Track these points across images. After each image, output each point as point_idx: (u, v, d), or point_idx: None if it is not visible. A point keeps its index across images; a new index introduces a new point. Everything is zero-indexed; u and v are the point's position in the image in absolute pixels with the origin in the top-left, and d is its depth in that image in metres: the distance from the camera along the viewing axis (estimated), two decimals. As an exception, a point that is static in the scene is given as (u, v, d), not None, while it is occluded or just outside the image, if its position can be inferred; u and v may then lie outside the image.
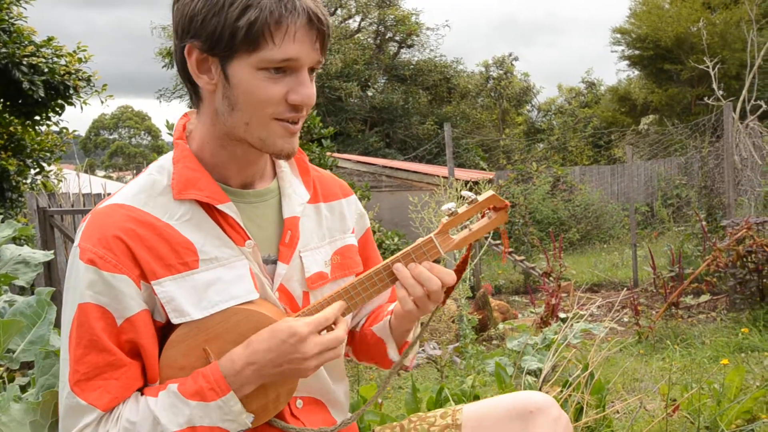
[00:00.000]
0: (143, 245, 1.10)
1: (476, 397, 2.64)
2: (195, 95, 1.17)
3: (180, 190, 1.15)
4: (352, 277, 1.34)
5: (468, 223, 1.27)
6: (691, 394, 2.59)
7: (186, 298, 1.11)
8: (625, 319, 6.26)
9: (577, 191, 13.46)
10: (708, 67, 8.53)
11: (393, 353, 1.35)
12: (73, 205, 7.04)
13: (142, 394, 1.12)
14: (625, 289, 7.72)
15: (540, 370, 3.23)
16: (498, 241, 7.97)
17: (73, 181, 7.05)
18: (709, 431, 2.56)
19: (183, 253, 1.12)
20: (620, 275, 9.30)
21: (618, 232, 13.02)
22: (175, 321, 1.11)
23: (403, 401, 3.68)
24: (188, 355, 1.13)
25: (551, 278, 5.08)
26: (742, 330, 4.77)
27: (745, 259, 5.20)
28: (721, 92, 9.20)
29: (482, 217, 1.27)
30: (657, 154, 13.85)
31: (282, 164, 1.30)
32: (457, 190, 4.88)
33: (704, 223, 6.11)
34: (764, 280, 5.19)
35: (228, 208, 1.16)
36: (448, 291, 1.33)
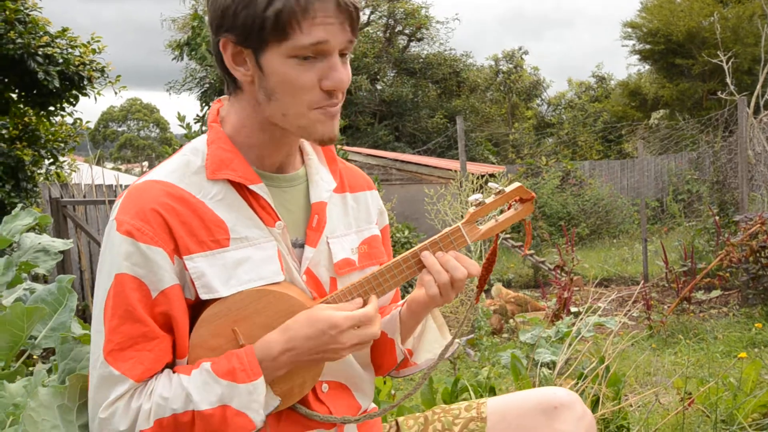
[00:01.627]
0: (179, 220, 1.12)
1: (492, 389, 2.65)
2: (233, 85, 1.18)
3: (214, 170, 1.16)
4: (377, 266, 1.35)
5: (494, 213, 1.29)
6: (708, 387, 2.58)
7: (215, 275, 1.13)
8: (635, 314, 6.25)
9: (586, 186, 13.42)
10: (721, 61, 8.47)
11: (398, 350, 1.36)
12: (85, 196, 7.08)
13: (173, 371, 1.13)
14: (638, 283, 7.70)
15: (553, 362, 3.24)
16: (509, 235, 7.97)
17: (85, 172, 7.09)
18: (725, 425, 2.56)
19: (215, 230, 1.14)
20: (630, 270, 9.27)
21: (628, 227, 12.97)
22: (203, 297, 1.13)
23: (417, 392, 3.69)
24: (217, 335, 1.14)
25: (564, 272, 5.07)
26: (756, 325, 4.75)
27: (758, 255, 5.18)
28: (733, 87, 9.14)
29: (508, 208, 1.28)
30: (668, 149, 13.79)
31: (310, 152, 1.31)
32: (472, 183, 4.88)
33: (716, 218, 6.07)
34: (777, 276, 5.17)
35: (260, 189, 1.18)
36: (480, 286, 1.34)
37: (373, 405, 1.42)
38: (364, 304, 1.20)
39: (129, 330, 1.09)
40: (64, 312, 2.10)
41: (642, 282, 6.80)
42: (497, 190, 1.25)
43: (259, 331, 1.15)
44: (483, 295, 4.96)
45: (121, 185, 7.69)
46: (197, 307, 1.15)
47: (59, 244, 2.54)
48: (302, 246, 1.24)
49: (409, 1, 21.07)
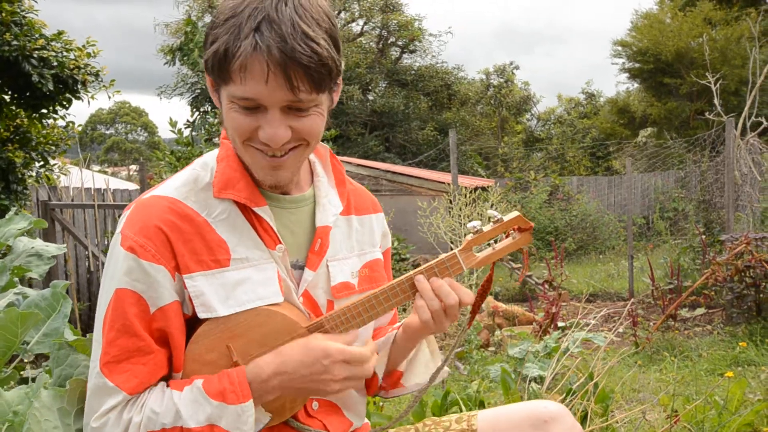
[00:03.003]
0: (181, 238, 1.14)
1: (481, 402, 2.67)
2: None
3: (220, 189, 1.18)
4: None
5: (492, 241, 1.30)
6: (694, 406, 2.62)
7: (214, 294, 1.14)
8: (621, 330, 6.29)
9: (574, 201, 13.52)
10: (710, 82, 8.60)
11: (380, 373, 1.38)
12: (73, 200, 7.04)
13: (167, 386, 1.15)
14: (623, 299, 7.76)
15: (541, 377, 3.26)
16: (508, 256, 8.00)
17: (75, 175, 7.05)
18: (710, 442, 2.60)
19: (216, 250, 1.16)
20: (616, 286, 9.33)
21: (614, 243, 13.07)
22: (201, 315, 1.14)
23: (405, 404, 3.70)
24: (212, 350, 1.16)
25: (552, 287, 5.11)
26: (740, 344, 4.81)
27: (743, 274, 5.25)
28: (720, 108, 9.27)
29: (506, 236, 1.29)
30: (655, 167, 13.93)
31: (320, 173, 1.32)
32: (465, 197, 4.91)
33: (703, 237, 6.15)
34: (761, 295, 5.23)
35: (264, 211, 1.19)
36: (474, 312, 1.35)
37: (366, 421, 1.43)
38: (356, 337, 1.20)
39: (125, 343, 1.11)
40: (57, 318, 2.10)
41: (630, 298, 6.85)
42: (496, 219, 1.25)
43: (254, 348, 1.16)
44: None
45: (110, 189, 7.66)
46: (194, 322, 1.17)
47: (53, 248, 2.53)
48: (302, 268, 1.25)
49: (403, 13, 21.21)
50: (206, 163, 1.22)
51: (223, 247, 1.16)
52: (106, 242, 7.46)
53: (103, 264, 6.59)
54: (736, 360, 4.64)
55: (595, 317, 3.87)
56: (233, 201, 1.19)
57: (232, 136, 1.14)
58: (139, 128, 52.61)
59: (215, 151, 1.24)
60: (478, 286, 1.36)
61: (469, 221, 5.43)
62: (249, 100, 1.06)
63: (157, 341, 1.13)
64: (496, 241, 1.29)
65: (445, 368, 1.40)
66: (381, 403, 3.08)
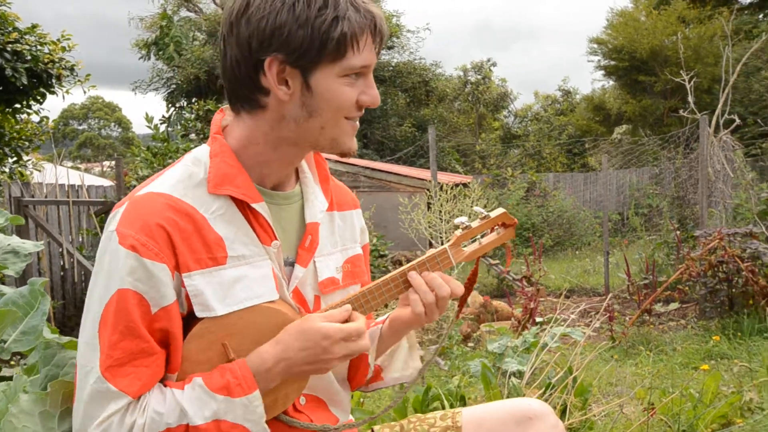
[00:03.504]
0: (182, 236, 1.12)
1: (462, 398, 2.69)
2: (253, 102, 1.17)
3: (216, 185, 1.17)
4: (359, 285, 1.37)
5: (478, 237, 1.34)
6: (670, 399, 2.66)
7: (212, 293, 1.13)
8: (597, 325, 6.37)
9: (550, 197, 13.65)
10: (684, 80, 8.73)
11: (370, 366, 1.39)
12: (46, 196, 6.93)
13: (165, 386, 1.14)
14: (599, 295, 7.86)
15: (520, 372, 3.30)
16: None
17: (49, 171, 6.93)
18: (685, 434, 2.65)
19: (213, 248, 1.15)
20: (592, 281, 9.45)
21: (590, 239, 13.22)
22: (199, 315, 1.13)
23: (384, 399, 3.71)
24: (208, 349, 1.15)
25: (530, 282, 5.16)
26: (714, 338, 4.90)
27: (716, 269, 5.34)
28: (693, 105, 9.42)
29: (491, 232, 1.34)
30: (630, 164, 14.11)
31: (306, 170, 1.33)
32: (446, 192, 4.94)
33: (677, 233, 6.25)
34: (733, 290, 5.34)
35: (261, 207, 1.19)
36: (461, 305, 1.38)
37: (350, 417, 1.44)
38: (351, 317, 1.22)
39: (129, 346, 1.09)
40: (36, 315, 2.07)
41: (606, 294, 6.94)
42: (482, 215, 1.31)
43: (249, 345, 1.16)
44: (451, 303, 5.01)
45: (84, 186, 7.55)
46: (187, 321, 1.16)
47: (29, 245, 2.49)
48: (292, 264, 1.26)
49: (381, 8, 21.13)
50: (198, 159, 1.21)
51: (220, 244, 1.15)
52: (81, 240, 7.36)
53: (78, 262, 6.50)
54: (709, 354, 4.73)
55: (573, 312, 3.91)
56: (229, 197, 1.18)
57: (330, 114, 1.16)
58: (113, 124, 51.86)
59: (204, 147, 1.23)
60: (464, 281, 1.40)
61: (450, 217, 5.50)
62: (365, 67, 1.15)
63: (158, 342, 1.12)
64: (482, 237, 1.32)
65: (436, 360, 1.43)
66: (362, 399, 3.08)
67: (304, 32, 1.08)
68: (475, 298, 5.84)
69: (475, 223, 1.30)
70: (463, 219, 1.31)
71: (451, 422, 1.38)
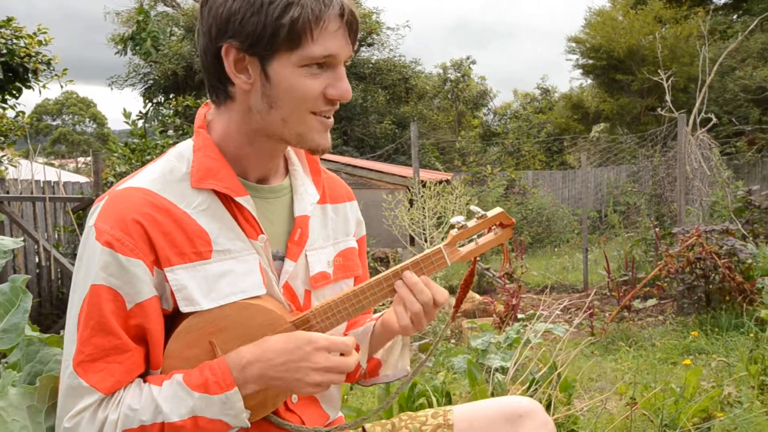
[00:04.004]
0: (160, 231, 1.10)
1: (448, 394, 2.69)
2: (223, 93, 1.16)
3: (199, 179, 1.15)
4: (352, 279, 1.37)
5: (475, 237, 1.32)
6: (653, 394, 2.69)
7: (197, 287, 1.12)
8: (576, 321, 6.43)
9: (529, 195, 13.74)
10: (662, 79, 8.84)
11: (363, 358, 1.37)
12: (21, 192, 6.81)
13: (144, 382, 1.12)
14: (578, 291, 7.93)
15: (503, 368, 3.32)
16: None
17: (25, 167, 6.80)
18: (668, 428, 2.68)
19: (197, 242, 1.13)
20: (571, 278, 9.54)
21: (568, 236, 13.35)
22: (184, 310, 1.12)
23: (368, 396, 3.71)
24: (194, 346, 1.14)
25: (512, 279, 5.19)
26: (692, 333, 4.97)
27: (694, 266, 5.41)
28: (669, 104, 9.54)
29: (488, 232, 1.31)
30: (607, 162, 14.26)
31: (295, 162, 1.31)
32: (431, 189, 4.94)
33: (656, 230, 6.33)
34: (710, 286, 5.41)
35: (245, 201, 1.17)
36: (457, 306, 1.37)
37: (340, 414, 1.44)
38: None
39: (100, 342, 1.08)
40: (17, 313, 2.03)
41: (586, 290, 7.01)
42: (480, 215, 1.28)
43: (236, 343, 1.14)
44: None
45: (61, 182, 7.43)
46: (173, 317, 1.14)
47: (9, 242, 2.44)
48: (282, 259, 1.24)
49: (361, 5, 21.13)
50: (181, 154, 1.19)
51: (204, 238, 1.13)
52: (57, 236, 7.24)
53: (55, 259, 6.40)
54: (687, 349, 4.79)
55: (557, 309, 3.95)
56: (213, 191, 1.16)
57: (291, 107, 1.12)
58: (88, 119, 51.12)
59: (188, 142, 1.21)
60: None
61: (434, 214, 5.50)
62: (329, 57, 1.10)
63: (134, 339, 1.10)
64: (479, 237, 1.31)
65: (408, 368, 1.43)
66: (345, 396, 3.07)
67: (257, 18, 1.06)
68: (474, 296, 5.87)
69: (471, 223, 1.28)
70: (460, 218, 1.28)
71: (442, 420, 1.38)
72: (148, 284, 1.09)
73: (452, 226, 1.29)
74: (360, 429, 1.46)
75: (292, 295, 1.24)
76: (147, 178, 1.15)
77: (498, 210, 1.29)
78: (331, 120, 1.17)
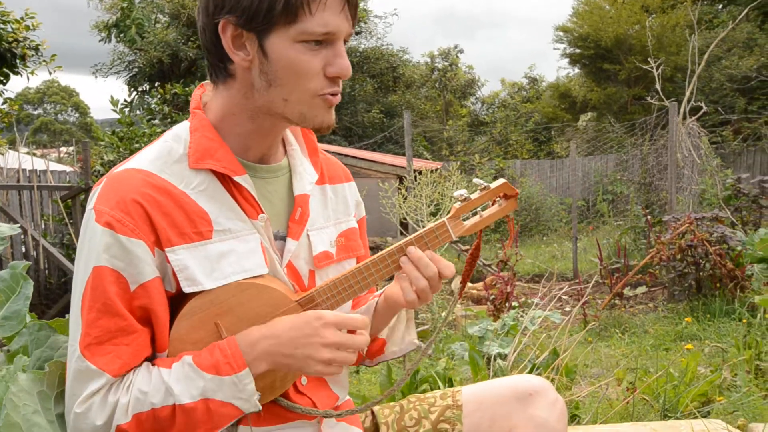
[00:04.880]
0: (160, 211, 1.09)
1: (450, 380, 2.69)
2: (223, 71, 1.15)
3: (197, 159, 1.13)
4: (354, 260, 1.35)
5: (479, 209, 1.30)
6: (655, 378, 2.71)
7: (198, 267, 1.10)
8: (569, 308, 6.48)
9: (518, 184, 13.79)
10: (652, 68, 8.87)
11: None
12: (7, 181, 6.72)
13: (153, 365, 1.11)
14: (567, 279, 7.98)
15: (501, 354, 3.33)
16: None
17: (11, 155, 6.71)
18: (669, 412, 2.70)
19: (198, 222, 1.11)
20: (560, 266, 9.61)
21: (556, 225, 13.43)
22: (186, 290, 1.10)
23: (364, 383, 3.71)
24: (199, 328, 1.12)
25: (506, 266, 5.20)
26: (686, 319, 5.01)
27: (685, 253, 5.46)
28: (656, 93, 9.59)
29: (492, 204, 1.29)
30: (595, 151, 14.33)
31: (293, 143, 1.30)
32: (427, 176, 4.93)
33: (649, 218, 6.37)
34: (701, 274, 5.46)
35: (244, 180, 1.15)
36: (464, 281, 1.35)
37: (348, 397, 1.43)
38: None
39: (107, 324, 1.06)
40: (18, 300, 2.00)
41: (578, 279, 7.05)
42: (482, 186, 1.25)
43: (242, 324, 1.13)
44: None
45: (49, 170, 7.33)
46: (177, 300, 1.13)
47: (5, 228, 2.41)
48: (284, 238, 1.22)
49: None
50: (178, 135, 1.17)
51: (205, 218, 1.12)
52: (44, 226, 7.16)
53: (43, 248, 6.32)
54: (680, 335, 4.83)
55: (557, 295, 3.96)
56: (211, 171, 1.15)
57: (292, 85, 1.09)
58: (70, 108, 50.52)
59: (185, 123, 1.19)
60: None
61: (431, 201, 5.50)
62: (327, 33, 1.07)
63: (139, 320, 1.09)
64: (483, 209, 1.29)
65: (416, 341, 1.41)
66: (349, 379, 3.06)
67: None
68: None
69: (474, 195, 1.25)
70: (463, 191, 1.26)
71: (451, 401, 1.37)
72: (150, 265, 1.08)
73: (456, 200, 1.26)
74: (368, 411, 1.45)
75: (296, 275, 1.23)
76: (145, 159, 1.13)
77: (501, 181, 1.27)
78: (337, 98, 1.15)
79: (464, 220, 1.27)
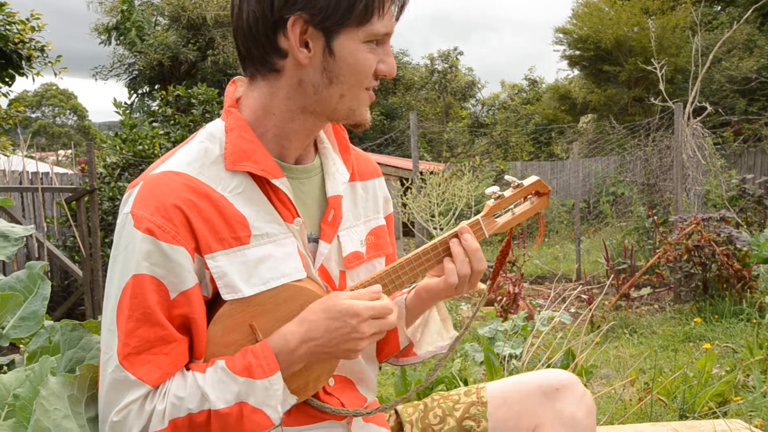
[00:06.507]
0: (201, 217, 1.07)
1: (465, 381, 2.68)
2: (267, 66, 1.12)
3: (234, 161, 1.11)
4: (383, 258, 1.34)
5: (511, 207, 1.29)
6: (671, 380, 2.70)
7: (237, 273, 1.08)
8: (573, 310, 6.47)
9: (518, 185, 13.75)
10: (655, 68, 8.88)
11: (403, 337, 1.35)
12: (9, 183, 6.69)
13: (187, 369, 1.09)
14: (571, 281, 7.97)
15: (512, 355, 3.31)
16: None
17: (15, 158, 6.68)
18: (686, 413, 2.69)
19: (236, 227, 1.09)
20: (563, 268, 9.60)
21: (557, 226, 13.42)
22: (226, 297, 1.08)
23: (381, 384, 3.69)
24: (234, 330, 1.10)
25: (515, 267, 5.18)
26: (695, 320, 5.00)
27: (692, 254, 5.45)
28: (656, 95, 9.59)
29: (524, 201, 1.28)
30: (596, 152, 14.33)
31: (325, 141, 1.28)
32: (438, 176, 4.92)
33: (655, 218, 6.36)
34: (708, 274, 5.45)
35: (282, 183, 1.14)
36: (494, 277, 1.35)
37: (375, 398, 1.41)
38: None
39: (146, 333, 1.04)
40: (35, 300, 1.99)
41: (578, 279, 7.03)
42: (515, 184, 1.25)
43: (277, 325, 1.12)
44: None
45: (52, 172, 7.31)
46: (210, 303, 1.11)
47: (19, 229, 2.39)
48: (316, 241, 1.21)
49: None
50: (213, 134, 1.14)
51: (243, 222, 1.10)
52: (45, 228, 7.13)
53: (49, 251, 6.30)
54: (687, 336, 4.82)
55: (565, 297, 3.94)
56: (248, 174, 1.12)
57: (352, 82, 1.11)
58: (68, 111, 50.45)
59: (219, 122, 1.16)
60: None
61: (441, 201, 5.48)
62: (386, 34, 1.12)
63: (178, 328, 1.07)
64: (515, 206, 1.28)
65: (442, 343, 1.40)
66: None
67: None
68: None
69: (507, 192, 1.25)
70: (495, 188, 1.26)
71: (476, 398, 1.36)
72: (191, 272, 1.06)
73: (488, 197, 1.26)
74: (393, 410, 1.43)
75: (328, 277, 1.21)
76: (182, 161, 1.11)
77: (534, 178, 1.27)
78: (373, 95, 1.19)
79: (497, 217, 1.26)
